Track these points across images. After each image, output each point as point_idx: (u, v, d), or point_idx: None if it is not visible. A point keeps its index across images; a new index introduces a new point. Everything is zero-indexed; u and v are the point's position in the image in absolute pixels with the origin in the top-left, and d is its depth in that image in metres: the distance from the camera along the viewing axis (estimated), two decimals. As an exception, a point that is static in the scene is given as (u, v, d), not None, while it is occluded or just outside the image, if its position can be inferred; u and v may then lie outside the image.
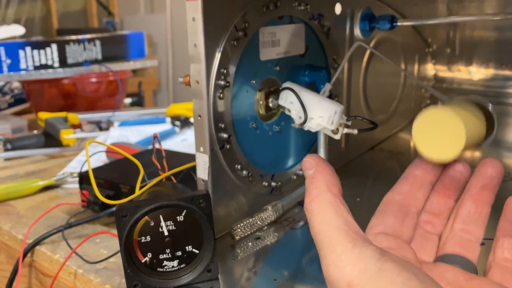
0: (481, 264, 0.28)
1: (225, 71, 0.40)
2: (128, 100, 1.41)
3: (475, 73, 0.79)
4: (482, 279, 0.26)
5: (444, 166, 0.31)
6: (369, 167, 0.64)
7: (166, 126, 0.96)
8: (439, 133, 0.28)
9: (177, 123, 0.95)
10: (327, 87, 0.44)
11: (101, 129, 0.97)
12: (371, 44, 0.63)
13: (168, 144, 0.86)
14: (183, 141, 0.89)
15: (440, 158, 0.29)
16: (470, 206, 0.29)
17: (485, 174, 0.29)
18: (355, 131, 0.43)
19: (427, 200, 0.31)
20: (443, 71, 0.83)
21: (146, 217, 0.34)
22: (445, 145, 0.28)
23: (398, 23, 0.57)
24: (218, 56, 0.40)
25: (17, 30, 1.25)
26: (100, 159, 0.75)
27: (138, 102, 1.43)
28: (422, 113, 0.29)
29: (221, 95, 0.41)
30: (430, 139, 0.29)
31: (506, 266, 0.26)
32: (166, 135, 0.90)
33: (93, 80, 1.06)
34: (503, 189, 0.30)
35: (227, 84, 0.41)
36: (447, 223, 0.30)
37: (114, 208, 0.35)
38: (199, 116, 0.40)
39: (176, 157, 0.59)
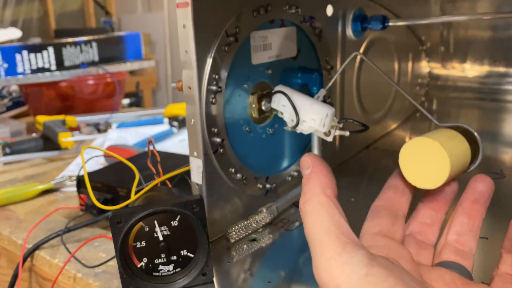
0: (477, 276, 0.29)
1: (217, 77, 0.41)
2: (126, 101, 1.42)
3: (470, 70, 0.80)
4: (480, 286, 0.27)
5: None
6: (364, 166, 0.64)
7: (164, 127, 0.96)
8: (424, 162, 0.30)
9: (175, 123, 0.95)
10: (321, 93, 0.44)
11: (99, 131, 0.98)
12: (364, 44, 0.63)
13: (166, 145, 0.86)
14: (181, 142, 0.89)
15: (425, 187, 0.30)
16: (463, 219, 0.30)
17: (476, 189, 0.30)
18: (347, 133, 0.43)
19: (419, 212, 0.32)
20: (438, 69, 0.84)
21: (141, 223, 0.35)
22: (430, 174, 0.29)
23: (390, 23, 0.57)
24: (209, 61, 0.40)
25: (14, 33, 1.26)
26: (99, 162, 0.75)
27: (137, 102, 1.44)
28: (408, 142, 0.30)
29: (214, 100, 0.41)
30: (416, 167, 0.30)
31: (508, 277, 0.27)
32: (164, 136, 0.91)
33: (91, 82, 1.07)
34: (496, 186, 0.31)
35: (219, 89, 0.41)
36: (442, 235, 0.31)
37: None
38: (192, 121, 0.41)
39: (173, 159, 0.60)
